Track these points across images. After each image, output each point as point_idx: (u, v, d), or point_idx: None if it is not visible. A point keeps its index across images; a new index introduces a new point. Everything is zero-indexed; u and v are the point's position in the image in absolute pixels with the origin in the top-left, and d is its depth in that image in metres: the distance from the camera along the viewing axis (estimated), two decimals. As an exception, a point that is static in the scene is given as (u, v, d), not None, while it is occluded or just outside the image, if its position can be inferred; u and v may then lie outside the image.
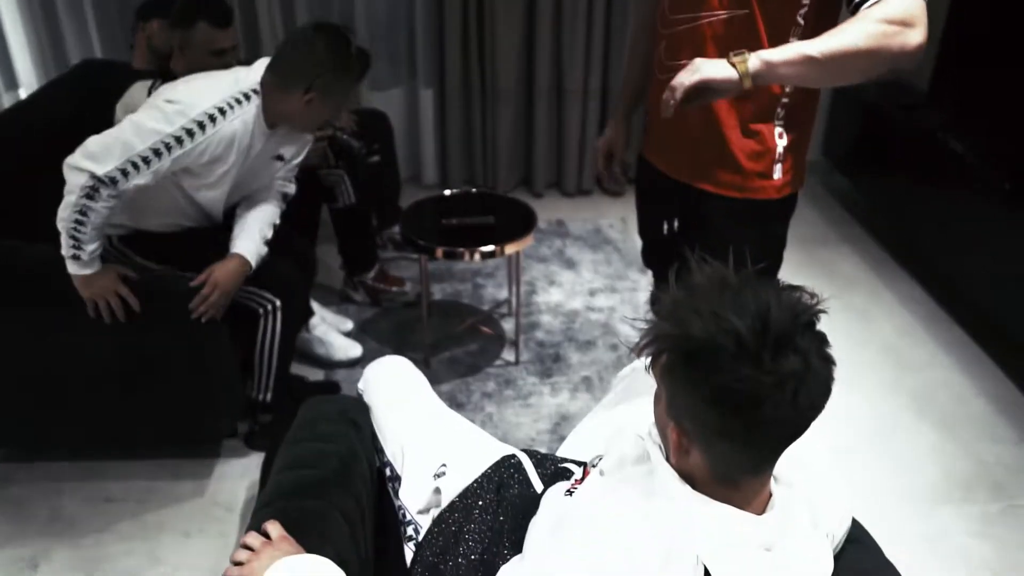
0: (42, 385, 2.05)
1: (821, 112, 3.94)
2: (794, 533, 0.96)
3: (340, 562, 1.08)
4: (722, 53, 1.45)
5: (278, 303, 2.17)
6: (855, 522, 1.17)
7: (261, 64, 2.02)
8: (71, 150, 1.83)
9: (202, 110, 1.88)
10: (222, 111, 1.91)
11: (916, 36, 1.31)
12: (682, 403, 0.90)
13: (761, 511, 0.95)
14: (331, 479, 1.28)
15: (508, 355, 2.74)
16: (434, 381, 2.56)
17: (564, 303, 3.02)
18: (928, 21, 1.32)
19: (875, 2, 1.34)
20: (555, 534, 0.99)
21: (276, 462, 1.34)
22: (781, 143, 1.61)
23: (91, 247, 1.85)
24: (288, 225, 2.34)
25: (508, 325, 2.89)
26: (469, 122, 3.78)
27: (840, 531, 1.10)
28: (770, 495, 0.97)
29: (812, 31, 1.46)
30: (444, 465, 1.40)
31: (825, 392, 0.87)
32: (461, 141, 3.82)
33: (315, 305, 2.73)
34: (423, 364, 2.65)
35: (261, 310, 2.16)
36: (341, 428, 1.44)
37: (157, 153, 1.84)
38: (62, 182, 1.82)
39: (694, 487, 0.93)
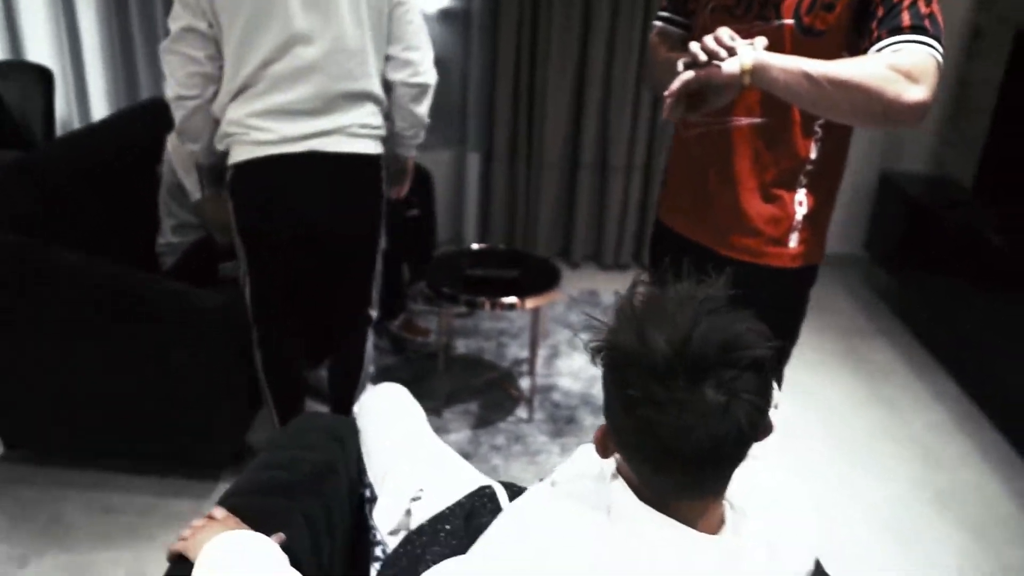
0: (62, 393, 2.12)
1: (865, 206, 3.93)
2: (750, 561, 0.92)
3: (294, 563, 1.07)
4: (747, 112, 1.49)
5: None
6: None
7: None
8: (123, 174, 1.93)
9: None
10: None
11: (916, 92, 1.32)
12: (608, 404, 0.89)
13: (714, 532, 0.92)
14: (301, 483, 1.28)
15: (522, 412, 2.72)
16: (444, 430, 2.57)
17: (585, 369, 3.00)
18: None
19: (889, 46, 1.35)
20: (491, 536, 0.97)
21: (252, 463, 1.35)
22: (800, 211, 1.57)
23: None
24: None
25: (526, 384, 2.88)
26: (513, 189, 3.86)
27: (803, 572, 1.06)
28: (722, 520, 0.94)
29: (826, 140, 1.52)
30: (422, 490, 1.39)
31: (734, 437, 0.81)
32: (504, 207, 3.90)
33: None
34: (435, 413, 2.65)
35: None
36: (324, 441, 1.44)
37: None
38: (110, 198, 1.90)
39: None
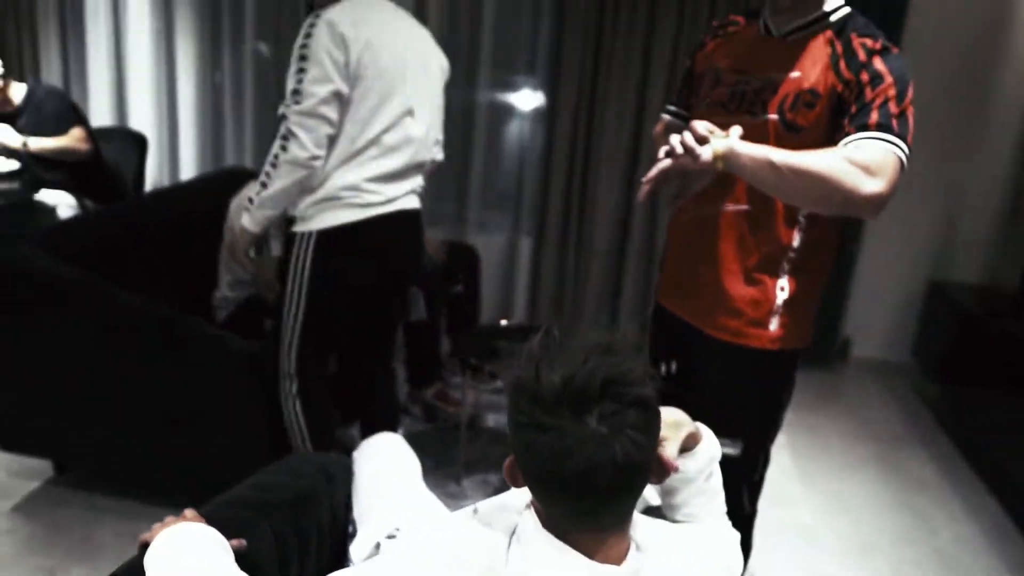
0: (108, 423, 2.31)
1: (913, 314, 3.90)
2: None
3: (255, 573, 1.18)
4: (734, 200, 1.61)
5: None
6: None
7: None
8: (191, 231, 2.14)
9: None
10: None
11: (872, 185, 1.40)
12: (510, 434, 0.96)
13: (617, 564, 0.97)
14: (279, 504, 1.39)
15: (539, 486, 2.77)
16: (461, 497, 2.64)
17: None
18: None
19: (853, 142, 1.45)
20: (400, 548, 1.06)
21: (240, 484, 1.47)
22: (781, 296, 1.64)
23: None
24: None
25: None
26: (562, 274, 4.00)
27: None
28: (623, 557, 1.00)
29: (809, 230, 1.60)
30: (398, 529, 1.48)
31: (612, 465, 0.88)
32: (552, 291, 4.03)
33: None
34: (455, 481, 2.72)
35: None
36: (313, 474, 1.56)
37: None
38: (176, 251, 2.09)
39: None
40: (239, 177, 3.19)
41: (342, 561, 1.52)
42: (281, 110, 1.99)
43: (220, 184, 3.07)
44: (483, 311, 3.59)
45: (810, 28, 1.58)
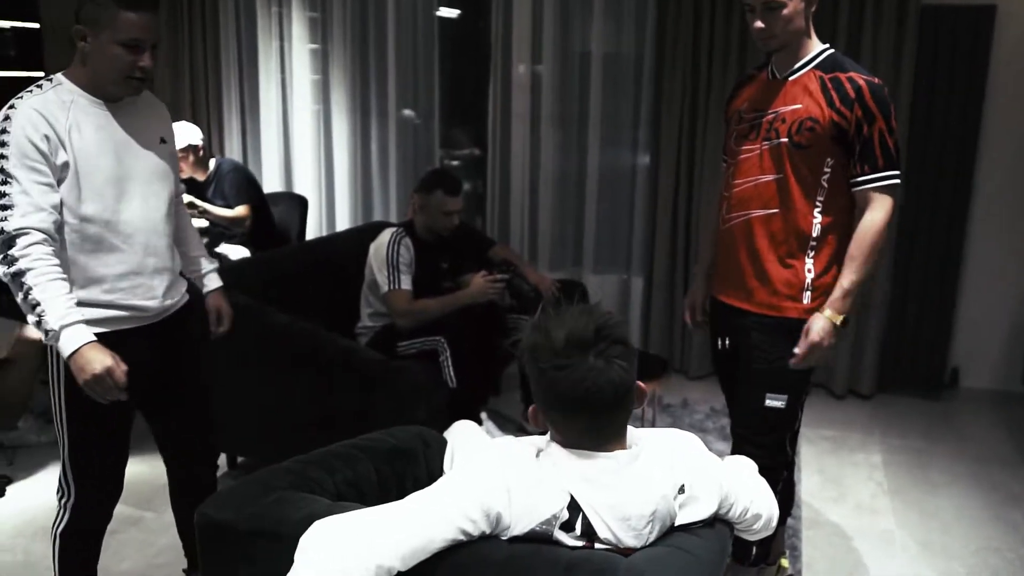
0: (270, 422, 2.85)
1: (1022, 343, 3.89)
2: (639, 465, 1.34)
3: (359, 494, 1.61)
4: (764, 206, 2.04)
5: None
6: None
7: None
8: (339, 272, 2.66)
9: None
10: (12, 106, 1.82)
11: (883, 222, 1.97)
12: (534, 387, 1.37)
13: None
14: (379, 451, 1.77)
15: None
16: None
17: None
18: None
19: (868, 185, 1.95)
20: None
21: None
22: (809, 276, 2.06)
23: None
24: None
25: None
26: (673, 310, 4.29)
27: (700, 482, 1.40)
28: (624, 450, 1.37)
29: (833, 190, 2.00)
30: None
31: (611, 385, 1.28)
32: (663, 327, 4.33)
33: (488, 423, 3.32)
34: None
35: None
36: (412, 437, 1.95)
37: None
38: (325, 288, 2.55)
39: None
40: (379, 227, 3.77)
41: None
42: None
43: (365, 234, 3.64)
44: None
45: (803, 69, 2.03)
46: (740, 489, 1.49)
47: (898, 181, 1.98)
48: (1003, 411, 3.88)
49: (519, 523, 1.30)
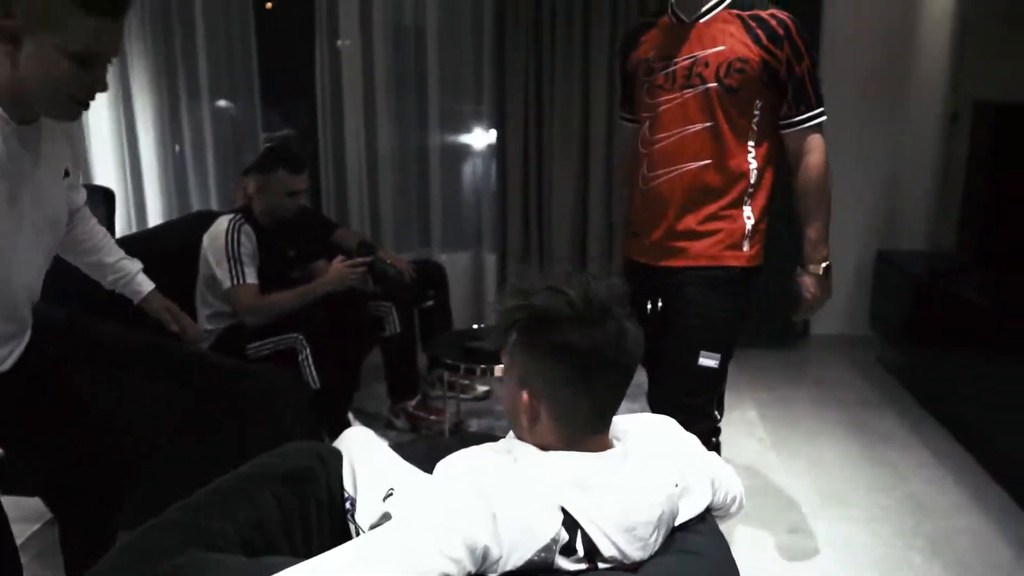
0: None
1: (867, 286, 4.08)
2: (633, 461, 1.14)
3: (265, 538, 1.28)
4: (695, 158, 1.89)
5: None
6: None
7: None
8: (164, 271, 2.24)
9: None
10: None
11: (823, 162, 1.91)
12: (531, 366, 1.13)
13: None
14: (276, 477, 1.47)
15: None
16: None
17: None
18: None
19: (803, 125, 1.87)
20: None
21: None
22: (749, 223, 1.95)
23: None
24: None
25: (534, 455, 3.03)
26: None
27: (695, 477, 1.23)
28: (611, 447, 1.16)
29: (762, 134, 1.89)
30: (392, 489, 1.59)
31: (639, 346, 1.14)
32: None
33: (356, 424, 2.99)
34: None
35: None
36: (306, 456, 1.64)
37: None
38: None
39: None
40: (210, 216, 3.30)
41: (346, 535, 1.60)
42: None
43: (192, 225, 3.17)
44: (455, 323, 3.70)
45: (714, 9, 1.89)
46: (720, 471, 1.32)
47: (825, 118, 1.90)
48: (856, 355, 4.05)
49: (512, 555, 1.04)
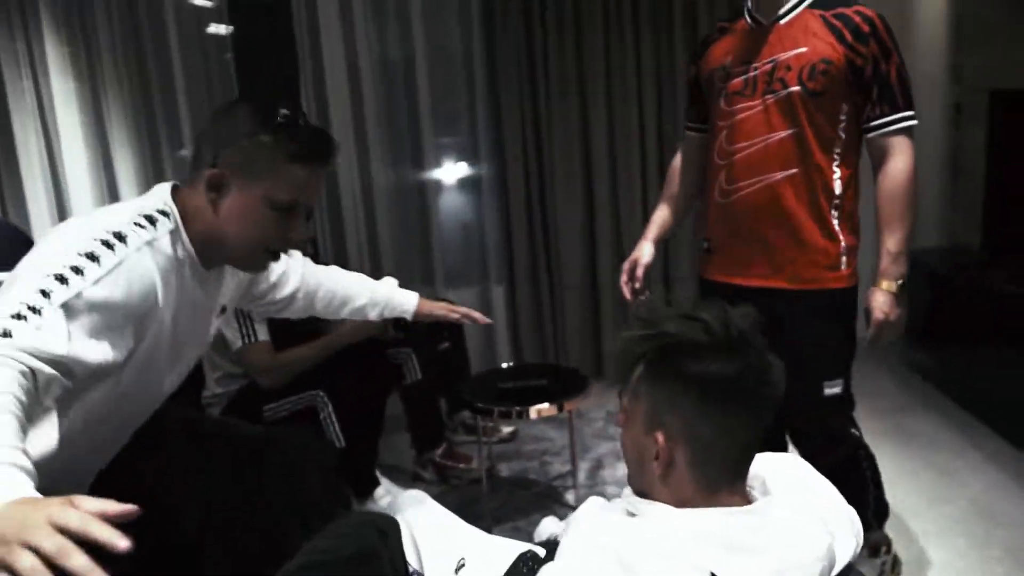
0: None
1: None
2: (781, 513, 1.00)
3: None
4: (781, 168, 1.78)
5: None
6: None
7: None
8: None
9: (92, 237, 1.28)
10: (121, 236, 1.28)
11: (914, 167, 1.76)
12: (664, 402, 1.01)
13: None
14: (342, 561, 1.33)
15: (571, 521, 2.72)
16: (495, 546, 2.57)
17: (630, 474, 3.00)
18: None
19: (889, 128, 1.74)
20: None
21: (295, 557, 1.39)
22: (844, 241, 1.86)
23: None
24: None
25: (572, 496, 2.89)
26: (540, 316, 3.99)
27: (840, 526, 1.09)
28: (750, 499, 1.04)
29: (848, 142, 1.79)
30: (463, 559, 1.44)
31: (783, 380, 1.03)
32: (533, 333, 4.02)
33: (384, 480, 2.83)
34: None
35: None
36: (366, 532, 1.49)
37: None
38: None
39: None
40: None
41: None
42: None
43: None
44: (472, 364, 3.55)
45: (795, 9, 1.79)
46: (854, 513, 1.18)
47: (916, 122, 1.77)
48: (888, 361, 3.87)
49: None
